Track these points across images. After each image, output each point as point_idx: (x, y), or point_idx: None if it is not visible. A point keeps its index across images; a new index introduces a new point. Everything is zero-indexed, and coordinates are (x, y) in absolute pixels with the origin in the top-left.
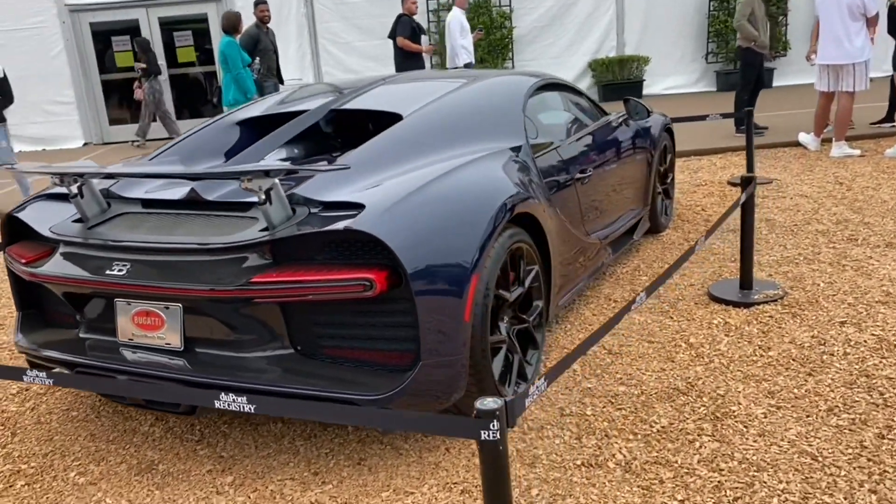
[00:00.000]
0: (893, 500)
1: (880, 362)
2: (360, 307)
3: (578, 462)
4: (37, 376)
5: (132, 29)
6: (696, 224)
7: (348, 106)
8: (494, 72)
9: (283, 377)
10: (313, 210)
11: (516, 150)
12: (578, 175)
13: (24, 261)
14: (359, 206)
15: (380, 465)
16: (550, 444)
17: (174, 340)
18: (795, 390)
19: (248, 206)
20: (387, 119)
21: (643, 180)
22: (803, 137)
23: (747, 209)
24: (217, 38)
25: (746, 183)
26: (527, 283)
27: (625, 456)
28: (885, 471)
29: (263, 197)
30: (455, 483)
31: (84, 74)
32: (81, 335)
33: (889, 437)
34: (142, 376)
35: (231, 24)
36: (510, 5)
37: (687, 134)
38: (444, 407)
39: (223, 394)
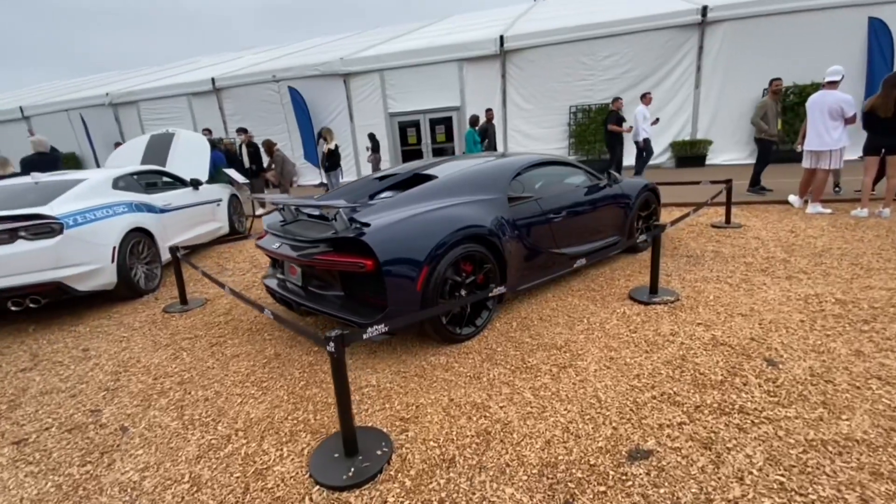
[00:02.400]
0: (646, 435)
1: (699, 353)
2: (366, 277)
3: (464, 372)
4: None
5: (416, 123)
6: (666, 249)
7: (421, 170)
8: (519, 155)
9: (338, 307)
10: (354, 225)
11: (494, 200)
12: (552, 215)
13: (257, 239)
14: (368, 225)
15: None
16: (466, 360)
17: (298, 281)
18: (629, 360)
19: (330, 220)
20: (431, 178)
21: (621, 219)
22: (791, 198)
23: (656, 243)
24: (457, 128)
25: (658, 229)
26: (480, 274)
27: (491, 375)
28: (642, 420)
29: (331, 216)
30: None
31: (394, 147)
32: (278, 276)
33: (660, 399)
34: (292, 295)
35: (471, 121)
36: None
37: (713, 191)
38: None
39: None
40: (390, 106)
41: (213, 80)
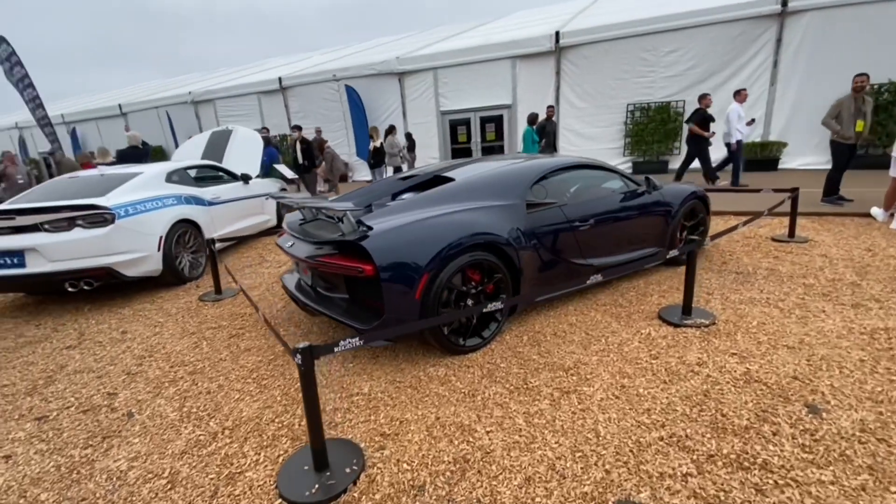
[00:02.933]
0: (641, 484)
1: (726, 389)
2: (368, 282)
3: (459, 388)
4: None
5: (466, 121)
6: (713, 263)
7: (441, 172)
8: (547, 158)
9: (341, 311)
10: (361, 228)
11: (510, 206)
12: (577, 223)
13: (278, 236)
14: (371, 229)
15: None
16: (465, 374)
17: (309, 281)
18: (642, 390)
19: (338, 221)
20: (450, 180)
21: (660, 229)
22: (874, 210)
23: (691, 259)
24: (507, 127)
25: (693, 244)
26: (490, 283)
27: (486, 393)
28: (640, 465)
29: (338, 218)
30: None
31: (444, 145)
32: (297, 275)
33: (667, 442)
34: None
35: (529, 119)
36: (683, 105)
37: (778, 199)
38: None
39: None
40: (442, 104)
41: (279, 79)
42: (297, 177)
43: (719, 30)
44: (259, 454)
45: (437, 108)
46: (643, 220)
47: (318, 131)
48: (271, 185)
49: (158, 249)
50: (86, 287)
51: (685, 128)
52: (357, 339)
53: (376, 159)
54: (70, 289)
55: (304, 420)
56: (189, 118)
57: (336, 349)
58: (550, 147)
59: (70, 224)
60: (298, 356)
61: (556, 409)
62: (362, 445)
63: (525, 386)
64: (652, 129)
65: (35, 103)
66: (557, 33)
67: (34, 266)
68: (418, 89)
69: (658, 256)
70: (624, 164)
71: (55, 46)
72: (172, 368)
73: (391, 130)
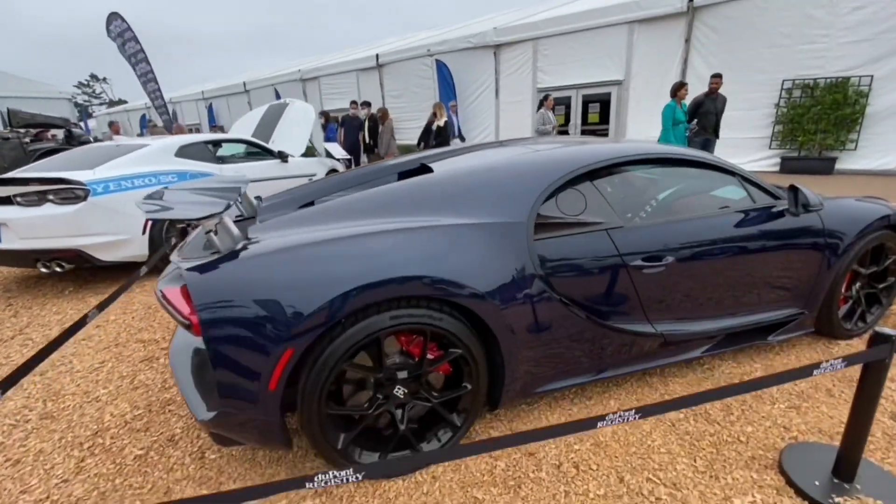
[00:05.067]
0: None
1: None
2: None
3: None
4: None
5: (566, 100)
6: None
7: (426, 160)
8: (599, 145)
9: (194, 381)
10: (242, 245)
11: (501, 227)
12: (639, 262)
13: None
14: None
15: None
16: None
17: None
18: None
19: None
20: (426, 171)
21: (809, 274)
22: None
23: (877, 353)
24: (615, 107)
25: (879, 340)
26: (441, 362)
27: None
28: None
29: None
30: None
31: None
32: None
33: None
34: None
35: (673, 89)
36: (870, 83)
37: None
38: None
39: None
40: (540, 80)
41: (377, 56)
42: (349, 157)
43: None
44: None
45: (533, 84)
46: (774, 260)
47: (367, 106)
48: (317, 165)
49: (144, 233)
50: (58, 269)
51: (871, 114)
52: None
53: (439, 139)
54: (43, 269)
55: None
56: (297, 95)
57: None
58: (710, 133)
59: (41, 199)
60: None
61: None
62: None
63: None
64: (816, 113)
65: (146, 77)
66: None
67: (7, 242)
68: (515, 63)
69: (796, 325)
70: (769, 161)
71: (218, 33)
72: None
73: (545, 100)
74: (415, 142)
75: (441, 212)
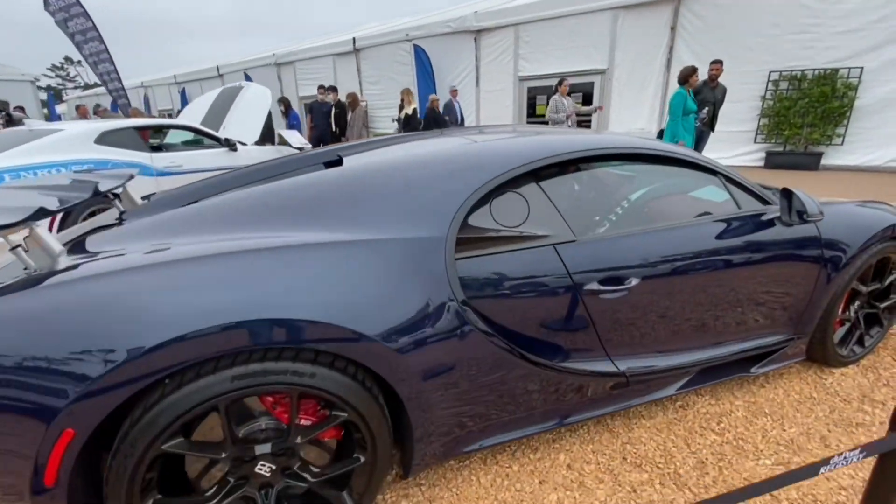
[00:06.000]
0: None
1: None
2: None
3: None
4: None
5: (548, 89)
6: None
7: (342, 151)
8: (551, 135)
9: None
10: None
11: (406, 244)
12: (596, 284)
13: None
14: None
15: None
16: None
17: None
18: None
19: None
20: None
21: (803, 293)
22: None
23: (890, 469)
24: (598, 97)
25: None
26: (294, 436)
27: None
28: None
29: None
30: None
31: (519, 117)
32: None
33: None
34: None
35: (682, 77)
36: (860, 74)
37: None
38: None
39: None
40: (521, 68)
41: (353, 40)
42: (308, 145)
43: None
44: None
45: (515, 72)
46: (762, 279)
47: (334, 91)
48: (272, 154)
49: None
50: None
51: (859, 107)
52: None
53: (406, 129)
54: None
55: None
56: (271, 80)
57: None
58: (705, 125)
59: None
60: None
61: None
62: None
63: None
64: (803, 106)
65: (99, 58)
66: None
67: None
68: (496, 50)
69: (784, 354)
70: (753, 156)
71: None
72: None
73: (560, 84)
74: (391, 131)
75: (332, 221)
